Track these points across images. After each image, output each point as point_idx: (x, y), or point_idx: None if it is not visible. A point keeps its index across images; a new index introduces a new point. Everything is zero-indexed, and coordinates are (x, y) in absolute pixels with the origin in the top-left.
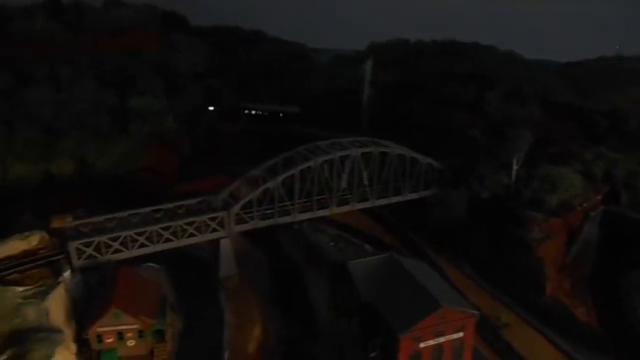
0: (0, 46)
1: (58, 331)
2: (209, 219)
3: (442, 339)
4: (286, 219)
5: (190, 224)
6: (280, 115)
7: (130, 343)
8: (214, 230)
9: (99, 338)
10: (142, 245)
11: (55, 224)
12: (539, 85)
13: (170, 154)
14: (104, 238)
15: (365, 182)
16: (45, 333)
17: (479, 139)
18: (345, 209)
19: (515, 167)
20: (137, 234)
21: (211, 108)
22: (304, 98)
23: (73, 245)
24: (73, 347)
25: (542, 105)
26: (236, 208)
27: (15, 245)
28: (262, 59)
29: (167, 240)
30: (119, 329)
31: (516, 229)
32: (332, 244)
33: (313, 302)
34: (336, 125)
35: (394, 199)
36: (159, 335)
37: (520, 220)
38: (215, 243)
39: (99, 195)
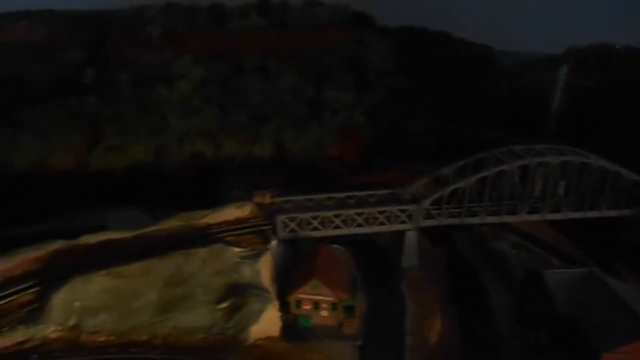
0: (219, 41)
1: (267, 291)
2: (400, 210)
3: None
4: (473, 220)
5: (382, 212)
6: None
7: (324, 313)
8: (403, 222)
9: (298, 304)
10: (337, 227)
11: (257, 199)
12: None
13: (354, 145)
14: (306, 216)
15: (561, 192)
16: (258, 290)
17: None
18: (535, 217)
19: None
20: (335, 215)
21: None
22: (485, 100)
23: (280, 219)
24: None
25: None
26: (426, 203)
27: (230, 213)
28: (447, 60)
29: (359, 225)
30: (316, 299)
31: None
32: (514, 251)
33: (493, 308)
34: (518, 130)
35: (590, 214)
36: (349, 310)
37: None
38: (399, 234)
39: (291, 177)
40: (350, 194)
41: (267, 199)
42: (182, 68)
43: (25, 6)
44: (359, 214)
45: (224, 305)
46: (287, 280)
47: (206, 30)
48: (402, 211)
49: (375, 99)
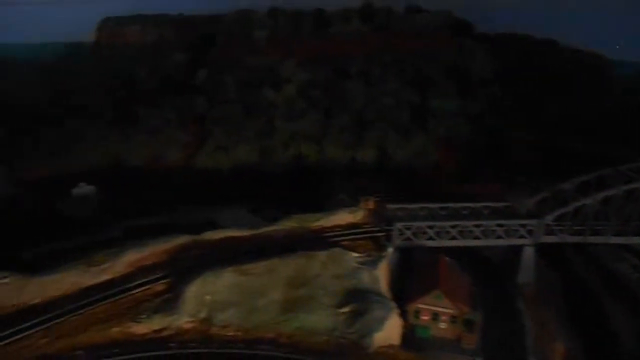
0: (323, 45)
1: (388, 298)
2: (520, 224)
3: None
4: (597, 240)
5: (500, 225)
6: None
7: (442, 325)
8: (521, 236)
9: (417, 313)
10: (453, 238)
11: (363, 204)
12: None
13: (455, 154)
14: (422, 225)
15: None
16: (378, 297)
17: None
18: None
19: None
20: (451, 226)
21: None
22: (596, 112)
23: (397, 226)
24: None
25: None
26: (549, 218)
27: (343, 217)
28: (552, 69)
29: (476, 237)
30: (436, 310)
31: None
32: (637, 275)
33: (618, 334)
34: (634, 145)
35: None
36: (469, 324)
37: None
38: (514, 248)
39: (392, 183)
40: (465, 204)
41: (372, 205)
42: (288, 71)
43: (140, 10)
44: (476, 226)
45: (346, 309)
46: (400, 289)
47: (310, 34)
48: (522, 226)
49: (477, 107)
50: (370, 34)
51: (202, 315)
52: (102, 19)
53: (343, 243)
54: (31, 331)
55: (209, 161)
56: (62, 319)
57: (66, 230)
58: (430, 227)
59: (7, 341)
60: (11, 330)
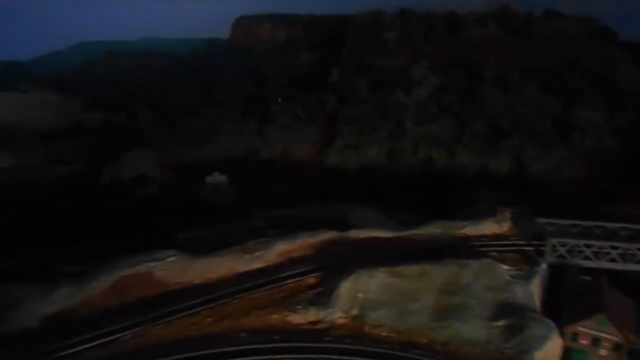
0: (455, 49)
1: (544, 316)
2: None
3: None
4: None
5: None
6: None
7: (603, 352)
8: None
9: (575, 336)
10: (612, 260)
11: (501, 215)
12: None
13: (600, 168)
14: (580, 242)
15: None
16: (535, 314)
17: None
18: None
19: None
20: (612, 247)
21: None
22: None
23: (552, 242)
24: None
25: None
26: None
27: (488, 227)
28: None
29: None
30: (597, 335)
31: None
32: None
33: None
34: None
35: None
36: (634, 355)
37: None
38: None
39: (528, 196)
40: (623, 225)
41: (508, 217)
42: (419, 74)
43: (272, 10)
44: None
45: (501, 323)
46: (552, 307)
47: (442, 37)
48: None
49: (624, 119)
50: (506, 38)
51: (354, 312)
52: (237, 17)
53: (491, 254)
54: (197, 309)
55: (337, 159)
56: (225, 300)
57: (208, 216)
58: (588, 246)
59: (174, 317)
60: (179, 306)
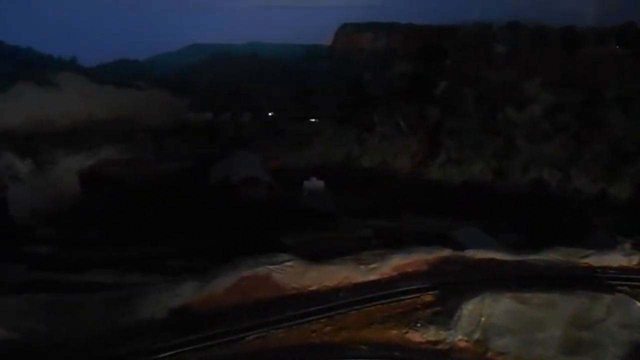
0: (571, 66)
1: None
2: None
3: None
4: None
5: None
6: None
7: None
8: None
9: None
10: None
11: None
12: None
13: None
14: None
15: None
16: None
17: None
18: None
19: None
20: None
21: None
22: None
23: None
24: None
25: None
26: None
27: (615, 258)
28: None
29: None
30: None
31: None
32: None
33: None
34: None
35: None
36: None
37: None
38: None
39: None
40: None
41: (628, 248)
42: (531, 91)
43: (374, 19)
44: None
45: None
46: None
47: (556, 53)
48: None
49: None
50: (630, 58)
51: (477, 336)
52: (341, 25)
53: (620, 288)
54: (316, 317)
55: (438, 173)
56: (343, 310)
57: (310, 221)
58: None
59: (294, 322)
60: (299, 312)
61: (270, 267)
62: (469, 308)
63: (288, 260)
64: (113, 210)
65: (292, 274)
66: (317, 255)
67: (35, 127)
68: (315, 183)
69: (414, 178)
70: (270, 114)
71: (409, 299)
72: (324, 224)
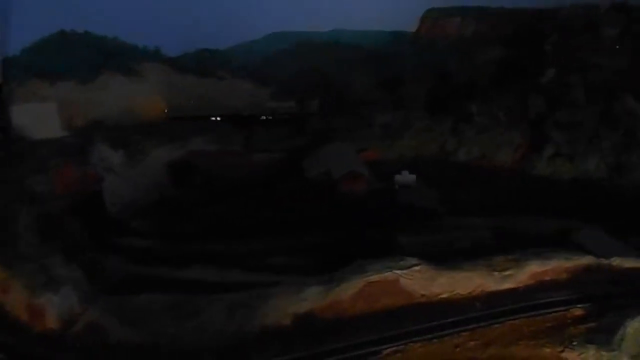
0: None
1: None
2: None
3: None
4: None
5: None
6: None
7: None
8: None
9: None
10: None
11: None
12: None
13: None
14: None
15: None
16: None
17: None
18: None
19: None
20: None
21: None
22: None
23: None
24: None
25: None
26: None
27: None
28: None
29: None
30: None
31: None
32: None
33: None
34: None
35: None
36: None
37: None
38: None
39: None
40: None
41: None
42: None
43: (461, 3)
44: None
45: None
46: None
47: None
48: None
49: None
50: None
51: None
52: (426, 10)
53: None
54: (457, 329)
55: (546, 168)
56: (485, 323)
57: (414, 219)
58: None
59: (433, 335)
60: (436, 324)
61: (398, 271)
62: (635, 326)
63: (416, 265)
64: (207, 203)
65: (421, 280)
66: (442, 259)
67: (123, 118)
68: (407, 177)
69: (518, 173)
70: (355, 103)
71: (556, 312)
72: (429, 222)
